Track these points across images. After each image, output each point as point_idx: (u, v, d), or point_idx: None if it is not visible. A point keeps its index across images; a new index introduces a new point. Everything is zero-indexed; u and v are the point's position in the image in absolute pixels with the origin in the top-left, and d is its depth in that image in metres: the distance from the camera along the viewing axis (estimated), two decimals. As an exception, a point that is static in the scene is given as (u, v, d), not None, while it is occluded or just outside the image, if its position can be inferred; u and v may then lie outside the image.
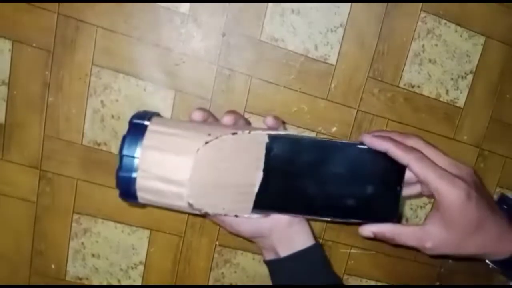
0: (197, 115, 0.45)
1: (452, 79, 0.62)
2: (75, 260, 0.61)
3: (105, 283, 0.62)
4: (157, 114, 0.44)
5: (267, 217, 0.46)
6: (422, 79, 0.61)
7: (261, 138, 0.42)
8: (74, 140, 0.57)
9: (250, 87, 0.58)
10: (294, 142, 0.43)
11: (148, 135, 0.39)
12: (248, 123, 0.50)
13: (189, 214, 0.60)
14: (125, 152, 0.39)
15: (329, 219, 0.46)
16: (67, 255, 0.61)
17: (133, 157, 0.39)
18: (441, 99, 0.62)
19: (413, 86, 0.61)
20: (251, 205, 0.44)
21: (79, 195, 0.59)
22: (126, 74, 0.56)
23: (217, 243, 0.62)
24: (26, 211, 0.59)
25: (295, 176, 0.44)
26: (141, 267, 0.62)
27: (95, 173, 0.58)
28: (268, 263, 0.50)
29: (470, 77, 0.62)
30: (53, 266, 0.61)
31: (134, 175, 0.39)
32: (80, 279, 0.62)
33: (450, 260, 0.68)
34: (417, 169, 0.40)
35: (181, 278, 0.63)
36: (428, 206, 0.65)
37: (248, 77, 0.57)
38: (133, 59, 0.55)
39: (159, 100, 0.57)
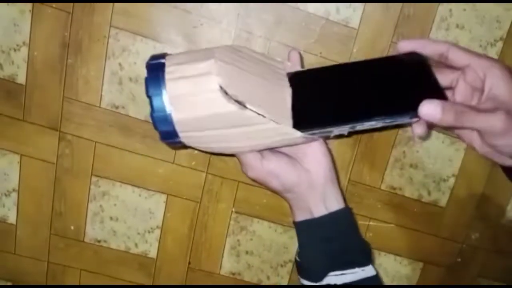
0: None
1: (480, 46, 0.59)
2: (94, 223, 0.62)
3: (122, 246, 0.63)
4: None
5: (305, 171, 0.45)
6: (449, 45, 0.58)
7: (281, 65, 0.45)
8: (93, 103, 0.58)
9: (268, 51, 0.56)
10: (314, 71, 0.45)
11: (167, 70, 0.39)
12: None
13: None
14: (151, 92, 0.39)
15: (373, 122, 0.40)
16: (86, 217, 0.62)
17: (161, 94, 0.38)
18: (468, 66, 0.59)
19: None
20: (290, 120, 0.41)
21: (97, 158, 0.59)
22: (144, 37, 0.56)
23: (233, 209, 0.62)
24: (46, 172, 0.60)
25: (321, 93, 0.43)
26: (157, 231, 0.63)
27: (113, 136, 0.59)
28: (301, 223, 0.48)
29: (500, 44, 0.59)
30: (72, 227, 0.62)
31: (168, 110, 0.38)
32: (99, 241, 0.63)
33: (473, 236, 0.66)
34: (458, 52, 0.40)
35: (197, 244, 0.63)
36: (452, 179, 0.63)
37: (266, 40, 0.56)
38: (151, 21, 0.55)
39: (176, 63, 0.56)
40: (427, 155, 0.62)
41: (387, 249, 0.66)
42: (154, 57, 0.41)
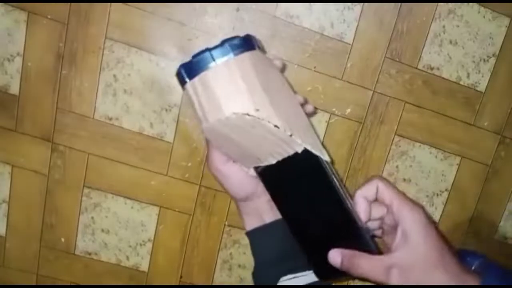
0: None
1: (473, 62, 0.59)
2: (85, 235, 0.61)
3: (113, 259, 0.62)
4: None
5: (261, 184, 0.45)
6: (442, 61, 0.59)
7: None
8: (86, 114, 0.57)
9: (263, 65, 0.57)
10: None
11: (236, 62, 0.37)
12: None
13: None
14: (215, 54, 0.37)
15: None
16: (77, 229, 0.61)
17: (213, 59, 0.37)
18: (461, 82, 0.60)
19: (432, 68, 0.59)
20: (255, 163, 0.42)
21: (90, 170, 0.59)
22: (139, 49, 0.56)
23: (226, 223, 0.62)
24: (38, 183, 0.59)
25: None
26: (149, 244, 0.62)
27: (106, 148, 0.58)
28: (253, 231, 0.48)
29: (492, 60, 0.60)
30: (63, 239, 0.61)
31: (211, 65, 0.37)
32: (89, 253, 0.62)
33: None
34: (383, 189, 0.41)
35: (189, 258, 0.62)
36: (445, 194, 0.63)
37: (261, 54, 0.56)
38: (146, 33, 0.55)
39: (171, 75, 0.56)
40: (420, 170, 0.62)
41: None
42: (245, 40, 0.39)
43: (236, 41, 0.38)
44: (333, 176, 0.40)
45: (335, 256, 0.41)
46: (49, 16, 0.54)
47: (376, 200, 0.42)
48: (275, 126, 0.36)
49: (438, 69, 0.59)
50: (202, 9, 0.55)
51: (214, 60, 0.37)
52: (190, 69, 0.38)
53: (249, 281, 0.63)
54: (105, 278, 0.63)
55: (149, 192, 0.60)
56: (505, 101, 0.61)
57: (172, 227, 0.61)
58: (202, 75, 0.37)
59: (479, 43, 0.59)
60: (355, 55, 0.57)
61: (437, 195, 0.63)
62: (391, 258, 0.40)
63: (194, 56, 0.37)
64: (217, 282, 0.64)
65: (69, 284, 0.63)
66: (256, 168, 0.43)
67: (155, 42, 0.55)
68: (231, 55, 0.37)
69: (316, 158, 0.39)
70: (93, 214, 0.61)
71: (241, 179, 0.45)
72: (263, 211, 0.47)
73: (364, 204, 0.42)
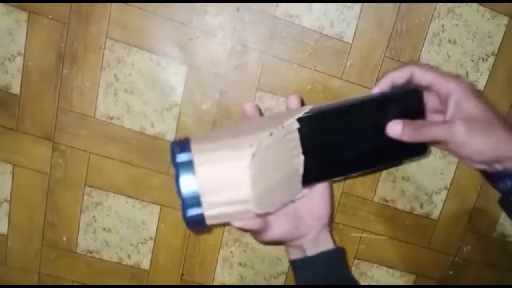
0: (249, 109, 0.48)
1: (472, 60, 0.60)
2: (86, 233, 0.62)
3: (115, 257, 0.63)
4: (187, 140, 0.43)
5: (304, 226, 0.49)
6: (441, 60, 0.59)
7: (293, 126, 0.44)
8: (87, 113, 0.58)
9: (263, 64, 0.57)
10: (320, 116, 0.45)
11: (198, 168, 0.40)
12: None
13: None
14: (184, 193, 0.40)
15: (369, 170, 0.50)
16: (78, 227, 0.61)
17: (193, 195, 0.40)
18: (460, 81, 0.60)
19: (432, 67, 0.59)
20: (300, 186, 0.46)
21: (91, 169, 0.59)
22: (140, 48, 0.56)
23: (226, 221, 0.62)
24: (39, 182, 0.59)
25: (330, 146, 0.46)
26: (151, 243, 0.62)
27: (107, 147, 0.59)
28: (295, 261, 0.51)
29: (491, 59, 0.60)
30: (64, 238, 0.62)
31: (200, 211, 0.40)
32: (91, 252, 0.62)
33: (465, 249, 0.66)
34: (420, 73, 0.44)
35: (190, 256, 0.63)
36: (444, 192, 0.63)
37: (261, 53, 0.57)
38: (147, 32, 0.55)
39: (171, 75, 0.57)
40: (419, 168, 0.62)
41: (379, 261, 0.66)
42: (179, 150, 0.41)
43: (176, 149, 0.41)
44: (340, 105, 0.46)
45: (396, 126, 0.45)
46: (49, 16, 0.54)
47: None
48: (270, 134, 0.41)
49: (437, 68, 0.59)
50: (203, 9, 0.55)
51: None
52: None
53: (250, 279, 0.64)
54: (106, 277, 0.63)
55: (150, 191, 0.60)
56: (504, 100, 0.61)
57: (173, 225, 0.62)
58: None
59: (478, 42, 0.59)
60: (354, 54, 0.58)
61: (436, 193, 0.64)
62: (452, 117, 0.43)
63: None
64: (218, 280, 0.64)
65: (70, 283, 0.63)
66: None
67: (155, 42, 0.56)
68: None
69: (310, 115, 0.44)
70: (94, 212, 0.61)
71: (286, 230, 0.48)
72: (307, 247, 0.49)
73: (386, 86, 0.46)
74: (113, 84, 0.57)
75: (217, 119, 0.58)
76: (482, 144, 0.42)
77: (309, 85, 0.58)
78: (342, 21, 0.57)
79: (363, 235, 0.64)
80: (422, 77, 0.45)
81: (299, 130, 0.44)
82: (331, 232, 0.52)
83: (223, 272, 0.64)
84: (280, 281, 0.65)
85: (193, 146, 0.41)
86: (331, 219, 0.52)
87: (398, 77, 0.46)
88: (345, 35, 0.57)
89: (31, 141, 0.58)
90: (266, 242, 0.49)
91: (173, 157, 0.41)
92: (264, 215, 0.44)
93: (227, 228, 0.62)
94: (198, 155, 0.40)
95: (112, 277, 0.63)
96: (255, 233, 0.47)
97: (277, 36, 0.56)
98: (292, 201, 0.47)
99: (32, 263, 0.62)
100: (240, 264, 0.64)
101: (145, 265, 0.63)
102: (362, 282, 0.66)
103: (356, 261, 0.65)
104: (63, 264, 0.63)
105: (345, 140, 0.46)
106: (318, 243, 0.50)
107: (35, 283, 0.63)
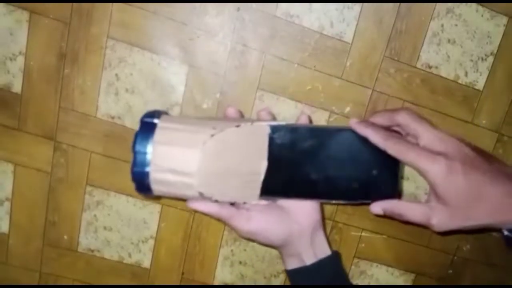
0: (231, 112, 0.49)
1: (471, 60, 0.60)
2: (88, 232, 0.62)
3: (116, 256, 0.63)
4: (166, 113, 0.46)
5: (294, 223, 0.48)
6: (440, 60, 0.59)
7: (263, 129, 0.45)
8: (89, 113, 0.58)
9: (263, 64, 0.57)
10: (294, 130, 0.46)
11: (158, 131, 0.42)
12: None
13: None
14: (137, 148, 0.42)
15: (333, 202, 0.49)
16: (80, 226, 0.62)
17: (145, 153, 0.41)
18: (459, 81, 0.60)
19: (430, 67, 0.59)
20: (258, 192, 0.46)
21: (92, 168, 0.59)
22: (141, 48, 0.56)
23: (227, 220, 0.62)
24: (41, 181, 0.60)
25: (297, 163, 0.46)
26: (151, 241, 0.63)
27: (109, 147, 0.59)
28: (293, 271, 0.50)
29: (490, 59, 0.60)
30: (65, 237, 0.62)
31: (147, 169, 0.42)
32: (92, 251, 0.63)
33: (464, 248, 0.67)
34: (395, 153, 0.42)
35: (190, 254, 0.63)
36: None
37: (261, 53, 0.57)
38: (148, 32, 0.56)
39: (172, 74, 0.57)
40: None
41: (379, 260, 0.66)
42: (149, 115, 0.44)
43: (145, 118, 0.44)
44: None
45: (376, 208, 0.45)
46: (51, 16, 0.55)
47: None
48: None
49: (436, 67, 0.59)
50: (203, 8, 0.55)
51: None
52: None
53: (250, 277, 0.64)
54: (107, 275, 0.64)
55: (151, 190, 0.60)
56: (503, 100, 0.62)
57: (174, 224, 0.62)
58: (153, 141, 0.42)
59: (477, 42, 0.60)
60: (354, 54, 0.58)
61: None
62: (429, 199, 0.43)
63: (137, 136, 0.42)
64: (218, 278, 0.65)
65: (71, 282, 0.63)
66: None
67: (156, 42, 0.56)
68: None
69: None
70: (95, 212, 0.61)
71: (271, 225, 0.47)
72: (303, 251, 0.49)
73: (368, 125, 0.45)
74: (114, 83, 0.57)
75: (217, 119, 0.59)
76: (469, 224, 0.42)
77: (309, 85, 0.58)
78: (342, 21, 0.57)
79: (363, 234, 0.65)
80: (409, 127, 0.44)
81: (271, 137, 0.45)
82: (324, 233, 0.52)
83: (223, 270, 0.64)
84: (280, 279, 0.65)
85: (163, 116, 0.44)
86: (324, 219, 0.51)
87: (385, 120, 0.46)
88: (345, 35, 0.57)
89: (33, 141, 0.58)
90: (252, 237, 0.48)
91: (142, 117, 0.43)
92: (208, 199, 0.44)
93: (227, 227, 0.63)
94: (163, 121, 0.43)
95: (113, 275, 0.64)
96: (238, 225, 0.46)
97: (277, 36, 0.57)
98: (245, 203, 0.47)
99: (33, 262, 0.63)
100: (240, 262, 0.64)
101: (146, 264, 0.63)
102: (362, 281, 0.67)
103: (355, 260, 0.66)
104: (64, 263, 0.63)
105: (312, 162, 0.46)
106: (314, 248, 0.49)
107: (36, 282, 0.63)
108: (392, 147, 0.42)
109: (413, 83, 0.59)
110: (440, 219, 0.41)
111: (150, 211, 0.61)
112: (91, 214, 0.61)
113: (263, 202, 0.48)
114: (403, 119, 0.45)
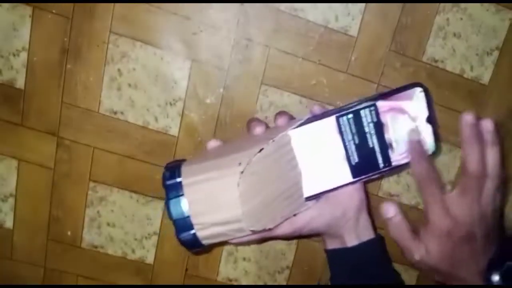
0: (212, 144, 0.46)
1: (477, 54, 0.59)
2: (91, 228, 0.62)
3: (119, 252, 0.63)
4: (179, 161, 0.44)
5: (338, 205, 0.46)
6: (446, 54, 0.59)
7: (285, 139, 0.42)
8: (91, 108, 0.58)
9: (268, 58, 0.57)
10: (314, 126, 0.43)
11: (186, 190, 0.40)
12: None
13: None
14: (174, 216, 0.40)
15: (376, 176, 0.45)
16: (83, 222, 0.62)
17: (184, 217, 0.40)
18: (465, 75, 0.60)
19: (436, 61, 0.59)
20: (303, 199, 0.44)
21: (95, 163, 0.59)
22: (144, 43, 0.56)
23: (231, 216, 0.62)
24: (44, 177, 0.59)
25: (328, 153, 0.43)
26: (155, 237, 0.62)
27: (111, 142, 0.59)
28: (332, 251, 0.48)
29: (496, 53, 0.60)
30: (69, 233, 0.62)
31: (192, 232, 0.40)
32: (95, 247, 0.63)
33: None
34: (418, 179, 0.42)
35: (194, 250, 0.63)
36: (447, 187, 0.63)
37: (266, 47, 0.56)
38: (151, 27, 0.55)
39: (175, 69, 0.57)
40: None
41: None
42: (169, 174, 0.41)
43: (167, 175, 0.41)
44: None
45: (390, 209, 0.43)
46: (53, 11, 0.54)
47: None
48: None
49: (442, 62, 0.59)
50: (207, 3, 0.55)
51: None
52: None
53: (254, 273, 0.64)
54: (111, 271, 0.64)
55: (154, 185, 0.60)
56: (508, 94, 0.61)
57: (178, 220, 0.62)
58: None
59: (482, 36, 0.59)
60: (359, 48, 0.57)
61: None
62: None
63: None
64: (222, 274, 0.64)
65: (75, 278, 0.63)
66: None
67: (160, 36, 0.56)
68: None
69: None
70: (99, 207, 0.61)
71: (315, 215, 0.46)
72: (345, 233, 0.47)
73: None
74: (117, 78, 0.57)
75: (221, 114, 0.58)
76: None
77: (314, 80, 0.58)
78: (347, 15, 0.56)
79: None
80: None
81: (294, 141, 0.43)
82: (370, 214, 0.49)
83: (227, 266, 0.64)
84: (284, 276, 0.65)
85: (183, 168, 0.41)
86: (368, 204, 0.49)
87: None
88: (350, 29, 0.57)
89: (36, 136, 0.58)
90: (298, 233, 0.47)
91: (163, 180, 0.41)
92: (264, 231, 0.42)
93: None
94: (186, 176, 0.40)
95: (116, 271, 0.64)
96: (277, 233, 0.45)
97: (281, 30, 0.56)
98: (295, 215, 0.45)
99: (38, 258, 0.63)
100: (244, 259, 0.64)
101: (150, 259, 0.63)
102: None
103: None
104: (68, 259, 0.63)
105: (345, 145, 0.43)
106: (358, 230, 0.47)
107: (41, 277, 0.63)
108: (420, 173, 0.42)
109: (418, 77, 0.59)
110: (427, 251, 0.42)
111: (153, 207, 0.61)
112: (95, 210, 0.61)
113: (310, 203, 0.45)
114: None
